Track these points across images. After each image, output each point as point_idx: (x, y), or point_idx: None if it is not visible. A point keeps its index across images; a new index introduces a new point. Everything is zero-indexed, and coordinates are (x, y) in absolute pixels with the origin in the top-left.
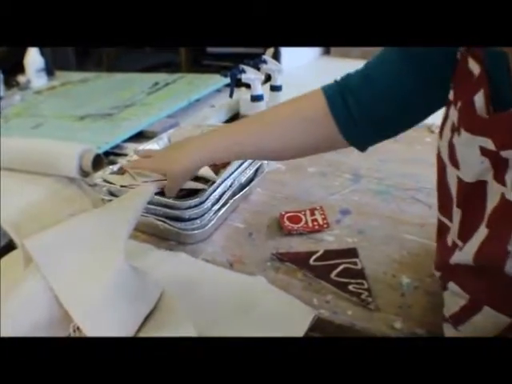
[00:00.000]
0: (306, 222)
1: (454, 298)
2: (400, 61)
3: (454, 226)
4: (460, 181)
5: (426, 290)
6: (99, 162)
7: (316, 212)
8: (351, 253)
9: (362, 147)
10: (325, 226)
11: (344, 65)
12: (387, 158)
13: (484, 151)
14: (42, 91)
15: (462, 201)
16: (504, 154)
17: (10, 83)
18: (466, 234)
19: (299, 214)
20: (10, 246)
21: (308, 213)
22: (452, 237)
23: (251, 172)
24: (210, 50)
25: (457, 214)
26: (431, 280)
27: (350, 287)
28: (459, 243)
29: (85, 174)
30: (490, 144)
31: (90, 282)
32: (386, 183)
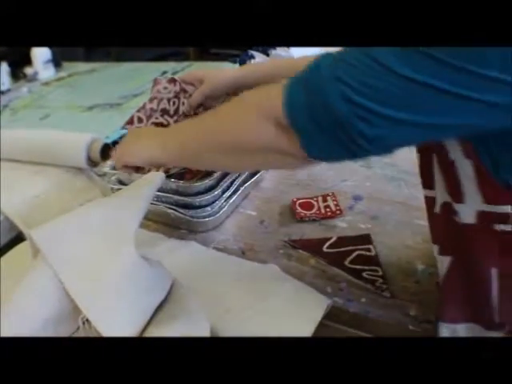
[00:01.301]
0: (319, 209)
1: None
2: None
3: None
4: None
5: None
6: (108, 151)
7: (328, 198)
8: (365, 239)
9: None
10: (337, 212)
11: None
12: None
13: None
14: (50, 82)
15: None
16: None
17: (17, 75)
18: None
19: (311, 201)
20: (19, 239)
21: (320, 199)
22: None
23: None
24: None
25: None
26: None
27: (364, 274)
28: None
29: (93, 163)
30: None
31: (99, 273)
32: (398, 169)
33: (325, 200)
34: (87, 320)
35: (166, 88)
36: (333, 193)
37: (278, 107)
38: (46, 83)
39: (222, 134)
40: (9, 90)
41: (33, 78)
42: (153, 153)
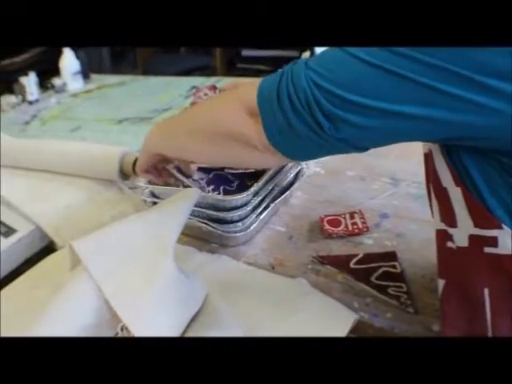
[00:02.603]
0: (346, 226)
1: None
2: None
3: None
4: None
5: None
6: None
7: (355, 215)
8: (390, 256)
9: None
10: (364, 229)
11: None
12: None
13: None
14: (78, 94)
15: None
16: None
17: (45, 86)
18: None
19: (339, 218)
20: (49, 248)
21: (348, 216)
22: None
23: (291, 176)
24: (245, 53)
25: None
26: None
27: (390, 290)
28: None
29: (125, 177)
30: None
31: (139, 285)
32: (424, 187)
33: (352, 217)
34: (125, 327)
35: (206, 94)
36: (360, 210)
37: (253, 94)
38: (75, 95)
39: (199, 119)
40: (37, 101)
41: (61, 89)
42: (154, 142)
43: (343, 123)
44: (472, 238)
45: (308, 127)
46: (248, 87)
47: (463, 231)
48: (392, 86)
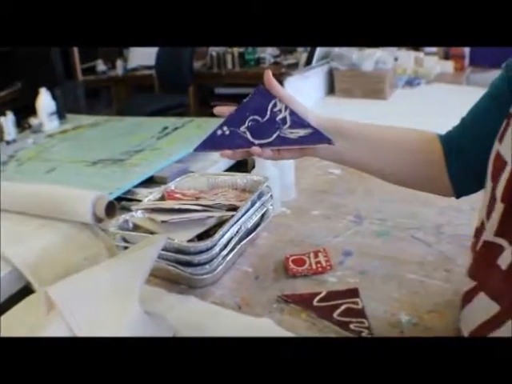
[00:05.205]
0: (310, 265)
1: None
2: (485, 100)
3: (492, 222)
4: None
5: (424, 326)
6: (112, 208)
7: (320, 254)
8: (353, 293)
9: (458, 192)
10: (328, 267)
11: (347, 103)
12: (388, 198)
13: None
14: (55, 134)
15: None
16: None
17: (22, 125)
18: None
19: (303, 257)
20: (26, 289)
21: (312, 255)
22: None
23: (257, 217)
24: (218, 91)
25: (498, 209)
26: (429, 316)
27: (352, 326)
28: (500, 241)
29: (98, 220)
30: None
31: (108, 328)
32: (387, 224)
33: (316, 256)
34: None
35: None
36: (324, 249)
37: None
38: (51, 135)
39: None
40: (14, 141)
41: (38, 129)
42: None
43: None
44: None
45: None
46: None
47: None
48: None
